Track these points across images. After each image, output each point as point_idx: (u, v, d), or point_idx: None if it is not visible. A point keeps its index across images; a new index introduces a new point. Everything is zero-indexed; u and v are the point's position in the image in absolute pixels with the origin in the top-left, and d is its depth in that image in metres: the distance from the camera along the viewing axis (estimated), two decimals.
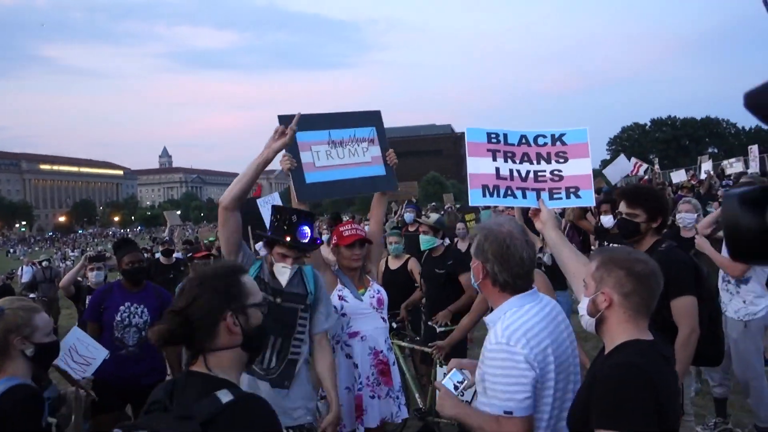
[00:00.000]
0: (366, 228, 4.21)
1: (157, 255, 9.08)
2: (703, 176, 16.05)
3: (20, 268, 17.09)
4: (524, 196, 2.89)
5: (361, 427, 3.64)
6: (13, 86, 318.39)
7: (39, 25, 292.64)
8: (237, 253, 3.11)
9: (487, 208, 10.06)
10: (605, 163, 37.76)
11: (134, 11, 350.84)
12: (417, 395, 5.42)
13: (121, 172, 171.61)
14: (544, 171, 2.94)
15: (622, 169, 12.99)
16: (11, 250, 66.65)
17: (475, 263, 2.29)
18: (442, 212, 15.14)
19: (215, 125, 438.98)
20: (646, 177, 18.24)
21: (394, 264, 6.10)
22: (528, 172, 2.94)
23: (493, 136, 2.99)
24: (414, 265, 5.99)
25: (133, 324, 4.49)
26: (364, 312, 3.71)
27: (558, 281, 4.79)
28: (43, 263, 13.23)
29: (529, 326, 2.11)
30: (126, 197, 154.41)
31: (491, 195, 2.89)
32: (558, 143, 3.00)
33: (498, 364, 2.07)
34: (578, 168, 2.94)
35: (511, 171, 2.92)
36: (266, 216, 7.39)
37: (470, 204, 3.08)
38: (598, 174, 13.83)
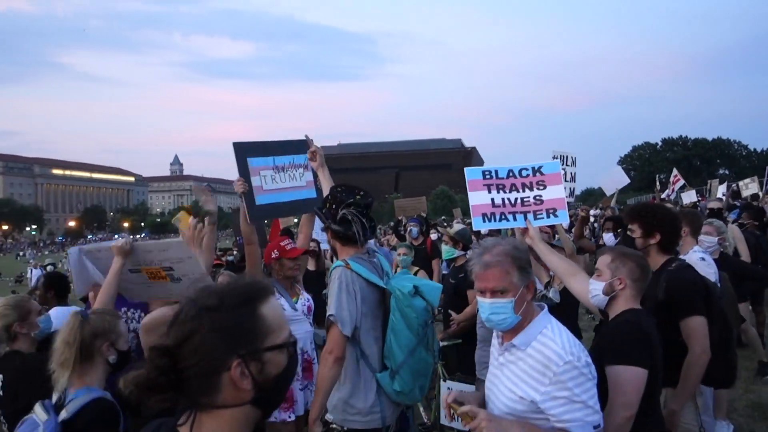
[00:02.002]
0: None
1: None
2: (720, 196, 15.90)
3: (29, 271, 17.14)
4: (515, 219, 3.58)
5: (293, 416, 4.03)
6: (30, 92, 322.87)
7: (81, 30, 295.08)
8: None
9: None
10: None
11: (152, 20, 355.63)
12: (422, 409, 5.38)
13: (132, 179, 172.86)
14: (529, 197, 3.62)
15: (616, 180, 12.38)
16: (21, 253, 67.18)
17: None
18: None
19: (227, 134, 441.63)
20: (652, 196, 18.06)
21: None
22: (516, 199, 3.62)
23: (487, 173, 3.71)
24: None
25: (131, 329, 4.46)
26: (296, 318, 4.13)
27: (567, 316, 4.76)
28: (48, 267, 12.44)
29: (572, 337, 2.21)
30: (136, 204, 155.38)
31: (489, 221, 3.61)
32: (537, 174, 3.68)
33: (575, 382, 2.08)
34: (555, 193, 3.61)
35: (503, 200, 3.62)
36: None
37: (474, 228, 3.81)
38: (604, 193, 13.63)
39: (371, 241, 3.32)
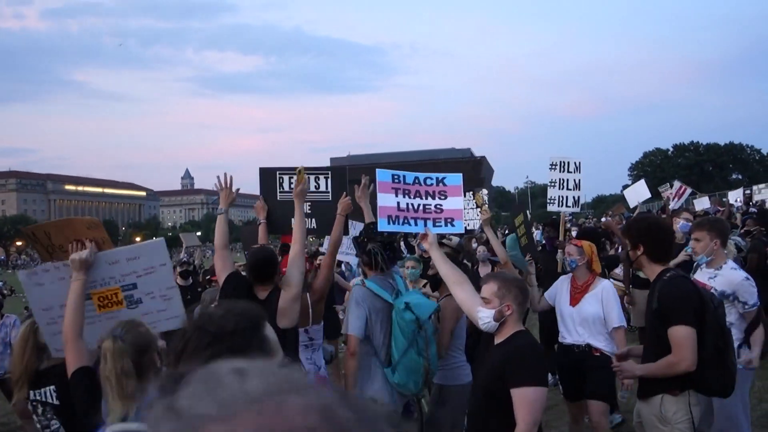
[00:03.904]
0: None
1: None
2: (733, 202, 15.85)
3: None
4: (416, 224, 3.84)
5: None
6: (43, 110, 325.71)
7: (117, 45, 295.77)
8: None
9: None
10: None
11: (164, 37, 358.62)
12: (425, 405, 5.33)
13: (143, 194, 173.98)
14: (430, 205, 3.89)
15: (639, 194, 12.83)
16: None
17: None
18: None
19: (238, 148, 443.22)
20: (659, 207, 17.94)
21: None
22: (419, 205, 3.88)
23: (396, 177, 3.94)
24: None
25: None
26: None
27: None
28: None
29: None
30: (148, 218, 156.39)
31: (394, 223, 3.83)
32: (441, 184, 3.96)
33: None
34: (454, 204, 3.91)
35: (407, 204, 3.86)
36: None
37: (379, 229, 4.00)
38: (619, 199, 13.66)
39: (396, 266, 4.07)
